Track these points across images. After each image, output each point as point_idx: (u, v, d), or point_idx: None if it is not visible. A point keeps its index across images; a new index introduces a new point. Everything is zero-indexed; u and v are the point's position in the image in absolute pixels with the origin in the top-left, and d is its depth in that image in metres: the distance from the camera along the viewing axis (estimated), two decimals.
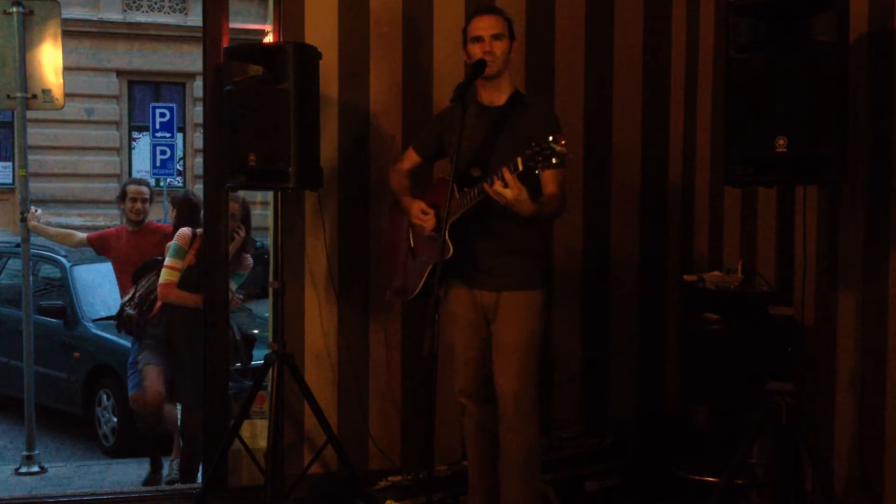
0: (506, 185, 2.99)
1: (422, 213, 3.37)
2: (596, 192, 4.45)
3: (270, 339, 3.87)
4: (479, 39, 3.28)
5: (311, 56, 3.71)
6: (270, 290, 3.88)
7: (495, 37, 3.27)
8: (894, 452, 3.27)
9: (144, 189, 5.46)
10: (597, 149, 4.43)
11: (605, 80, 4.47)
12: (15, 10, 5.35)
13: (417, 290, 3.40)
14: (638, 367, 4.57)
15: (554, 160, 2.88)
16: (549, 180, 3.22)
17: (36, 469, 5.48)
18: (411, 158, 3.60)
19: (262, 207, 14.40)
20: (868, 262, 3.38)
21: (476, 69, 3.24)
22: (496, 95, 3.37)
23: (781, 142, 2.99)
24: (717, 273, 4.04)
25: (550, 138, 2.89)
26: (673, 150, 4.57)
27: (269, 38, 4.72)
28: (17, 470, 5.44)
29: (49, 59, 5.46)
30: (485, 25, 3.29)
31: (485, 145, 3.29)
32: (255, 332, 6.61)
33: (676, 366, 4.50)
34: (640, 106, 4.52)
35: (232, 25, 4.15)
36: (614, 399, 4.53)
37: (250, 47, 4.05)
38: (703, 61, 4.41)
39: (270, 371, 3.77)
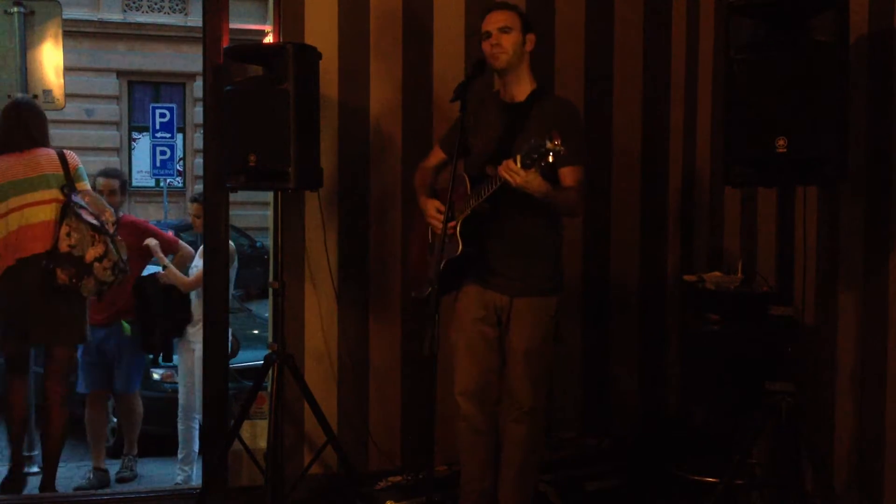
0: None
1: (436, 212, 3.36)
2: (596, 192, 4.43)
3: (270, 339, 3.87)
4: (487, 35, 3.29)
5: (311, 56, 3.71)
6: (270, 290, 3.88)
7: (502, 30, 3.27)
8: (894, 452, 3.26)
9: (113, 181, 5.13)
10: (596, 148, 4.42)
11: (605, 79, 4.47)
12: (16, 10, 5.34)
13: (430, 286, 3.37)
14: (638, 367, 4.57)
15: (550, 158, 2.85)
16: (565, 176, 3.21)
17: (36, 469, 5.46)
18: (438, 156, 3.59)
19: (262, 207, 14.48)
20: (868, 262, 3.38)
21: (475, 69, 3.22)
22: (516, 91, 3.35)
23: (781, 142, 2.99)
24: (717, 273, 4.04)
25: (548, 136, 2.87)
26: (673, 151, 4.58)
27: (269, 38, 4.72)
28: None
29: (50, 60, 5.45)
30: (492, 20, 3.30)
31: (502, 143, 3.26)
32: (256, 332, 6.63)
33: (676, 366, 4.50)
34: (640, 106, 4.52)
35: (232, 25, 4.14)
36: (614, 399, 4.53)
37: (250, 47, 4.04)
38: (703, 61, 4.41)
39: (270, 371, 3.76)
